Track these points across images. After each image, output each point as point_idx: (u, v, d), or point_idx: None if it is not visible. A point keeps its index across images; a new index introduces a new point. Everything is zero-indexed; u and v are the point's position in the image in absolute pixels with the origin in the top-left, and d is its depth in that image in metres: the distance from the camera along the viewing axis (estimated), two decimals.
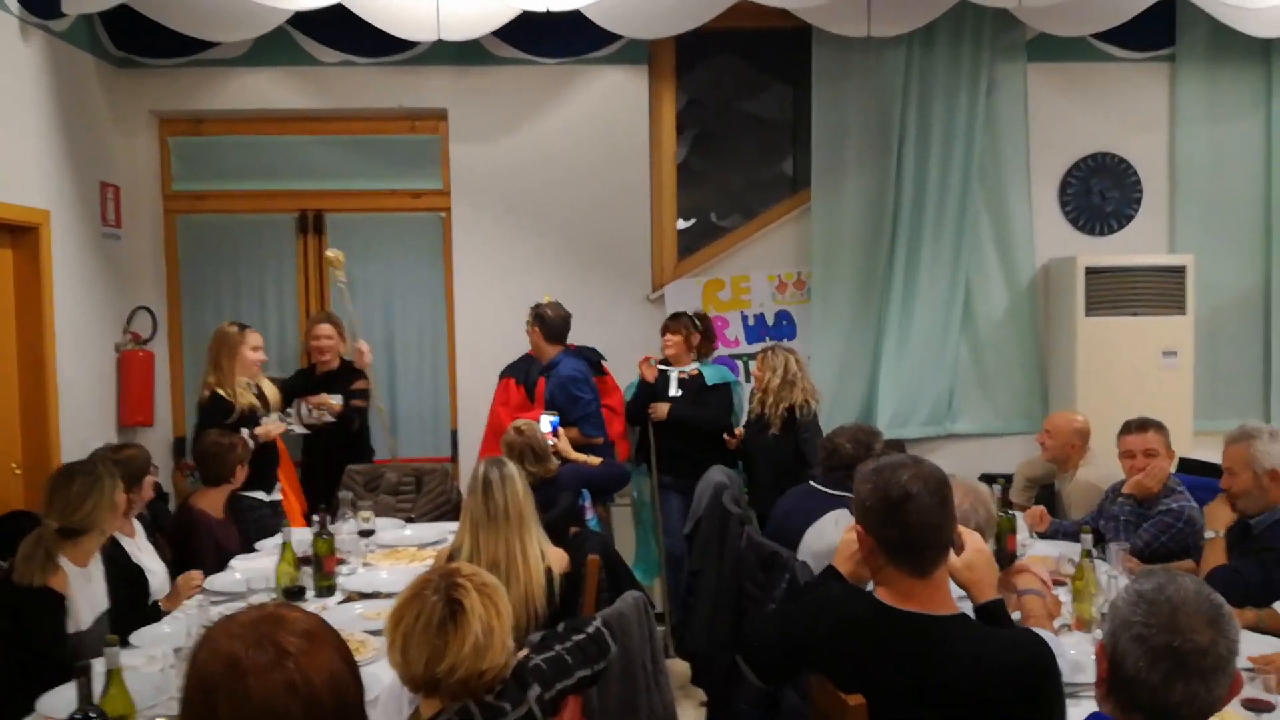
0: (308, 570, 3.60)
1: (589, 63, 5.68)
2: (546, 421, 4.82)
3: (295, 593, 3.35)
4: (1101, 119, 5.85)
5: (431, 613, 1.85)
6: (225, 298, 5.82)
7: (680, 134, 5.97)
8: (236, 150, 5.81)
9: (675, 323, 5.25)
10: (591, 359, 5.29)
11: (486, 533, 3.09)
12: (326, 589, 3.58)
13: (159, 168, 5.76)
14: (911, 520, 2.02)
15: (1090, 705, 2.07)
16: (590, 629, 2.23)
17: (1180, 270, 5.50)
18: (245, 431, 4.63)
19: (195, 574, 3.60)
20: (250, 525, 4.57)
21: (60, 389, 4.84)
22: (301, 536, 3.80)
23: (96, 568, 3.22)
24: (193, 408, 5.62)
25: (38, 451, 4.71)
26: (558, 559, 3.19)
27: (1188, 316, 5.50)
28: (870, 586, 2.19)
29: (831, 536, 3.26)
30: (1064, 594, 3.17)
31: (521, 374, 5.19)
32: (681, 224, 6.04)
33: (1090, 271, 5.49)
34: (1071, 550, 3.82)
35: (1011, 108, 5.74)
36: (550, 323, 5.10)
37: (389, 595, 3.48)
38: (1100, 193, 5.85)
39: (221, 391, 4.67)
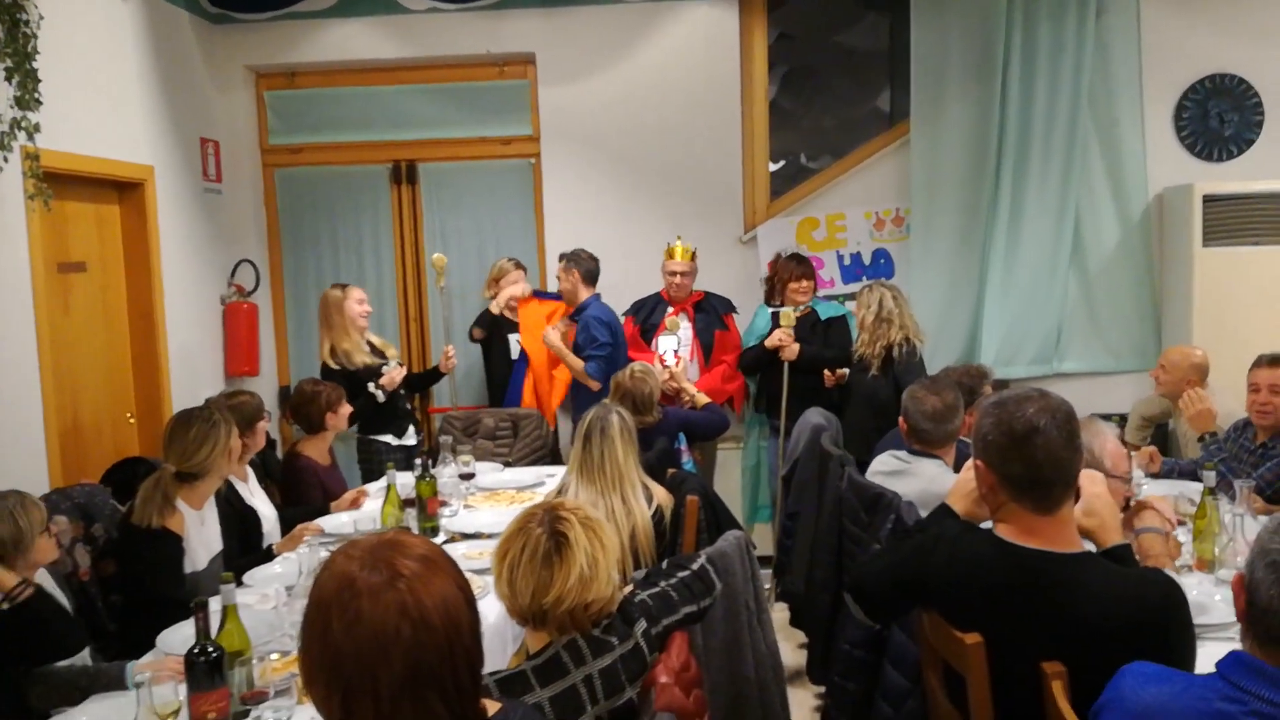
0: (412, 512, 3.66)
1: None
2: (668, 346, 4.84)
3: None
4: (1219, 38, 5.51)
5: (537, 545, 1.84)
6: (324, 249, 5.91)
7: (770, 71, 5.83)
8: (329, 102, 5.86)
9: (803, 266, 5.18)
10: (720, 309, 5.35)
11: (588, 480, 3.15)
12: (430, 530, 3.63)
13: (256, 122, 5.86)
14: (1038, 456, 1.93)
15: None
16: (695, 566, 2.21)
17: None
18: (371, 385, 4.75)
19: (314, 524, 3.68)
20: (375, 467, 4.68)
21: (169, 340, 4.99)
22: (406, 480, 3.86)
23: (211, 511, 3.32)
24: (297, 357, 5.80)
25: (150, 401, 4.87)
26: (664, 496, 3.20)
27: None
28: (989, 526, 2.11)
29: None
30: (1183, 534, 3.05)
31: (645, 313, 5.31)
32: (773, 166, 5.92)
33: (1208, 200, 5.21)
34: (1189, 490, 3.68)
35: (1123, 28, 5.45)
36: (588, 266, 5.17)
37: (491, 536, 3.53)
38: (1219, 116, 5.54)
39: (330, 361, 4.79)
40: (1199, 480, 3.78)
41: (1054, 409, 1.97)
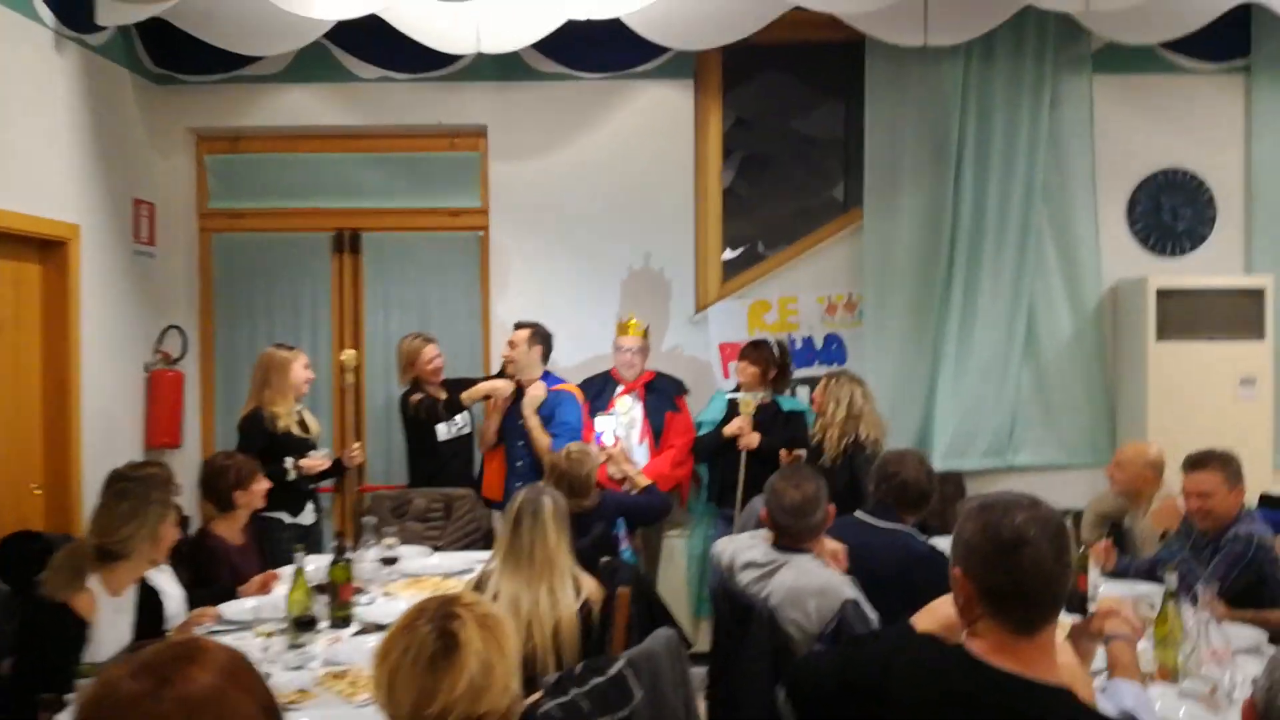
0: (324, 599, 3.40)
1: (633, 77, 5.50)
2: (606, 426, 4.65)
3: (306, 623, 3.13)
4: (1172, 133, 5.54)
5: (422, 646, 1.61)
6: (259, 317, 5.68)
7: (726, 158, 5.78)
8: (273, 168, 5.70)
9: (756, 352, 4.99)
10: (672, 391, 5.17)
11: (514, 569, 2.94)
12: (342, 619, 3.38)
13: (195, 185, 5.67)
14: (1025, 569, 1.75)
15: None
16: (612, 671, 1.99)
17: (1259, 293, 5.15)
18: (289, 461, 4.50)
19: (209, 610, 3.41)
20: (269, 548, 4.43)
21: (85, 408, 4.73)
22: (321, 563, 3.60)
23: (130, 600, 3.03)
24: (224, 430, 5.54)
25: (59, 471, 4.58)
26: (594, 588, 2.98)
27: (1267, 342, 5.15)
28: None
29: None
30: (1142, 641, 2.87)
31: (592, 392, 5.10)
32: (729, 254, 5.84)
33: (1162, 294, 5.17)
34: (1147, 592, 3.52)
35: (1076, 122, 5.46)
36: (549, 342, 5.03)
37: None
38: (1172, 210, 5.53)
39: (264, 410, 4.55)
40: (1156, 581, 3.66)
41: (1045, 519, 1.80)
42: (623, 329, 5.10)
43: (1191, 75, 5.51)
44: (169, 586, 3.55)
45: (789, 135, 6.27)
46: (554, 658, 2.74)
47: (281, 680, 2.80)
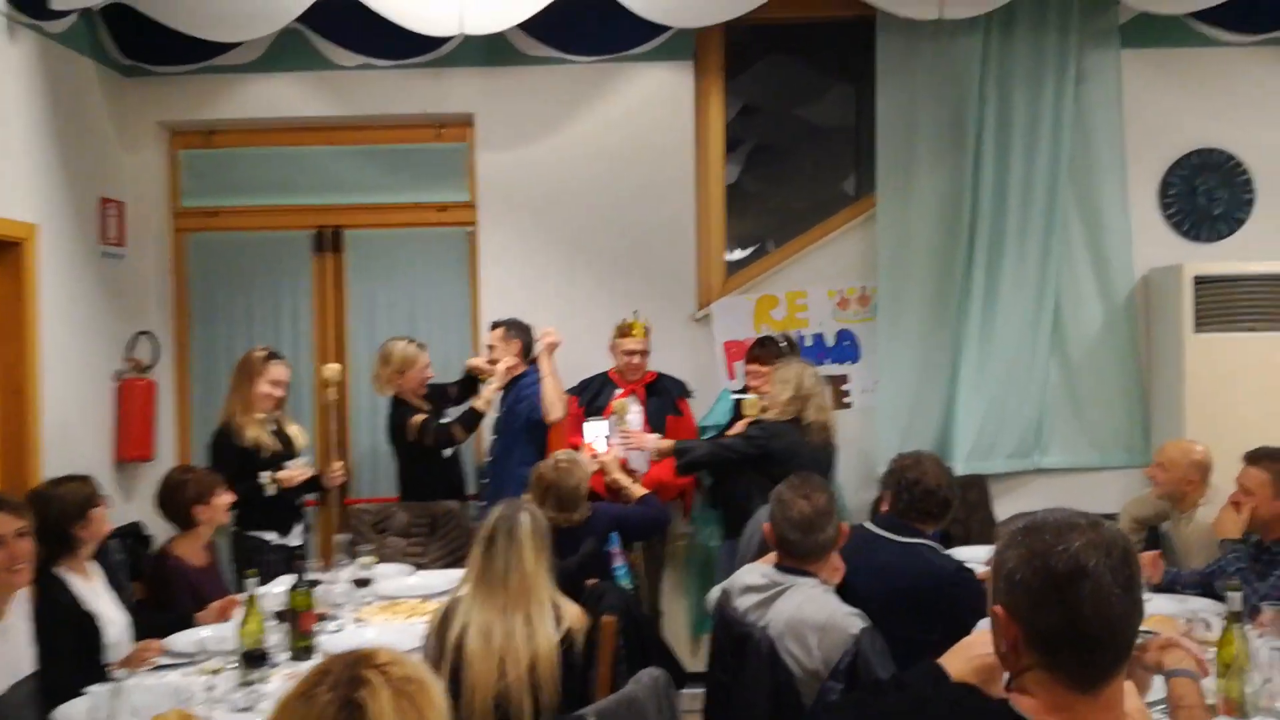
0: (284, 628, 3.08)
1: (629, 60, 5.16)
2: (598, 433, 4.32)
3: (258, 658, 2.81)
4: (1206, 111, 5.17)
5: (319, 718, 1.27)
6: (237, 321, 5.37)
7: (732, 151, 5.44)
8: (250, 163, 5.40)
9: (764, 350, 4.65)
10: (675, 393, 4.87)
11: (486, 595, 2.61)
12: (304, 650, 3.05)
13: (168, 182, 5.37)
14: (1084, 608, 1.40)
15: None
16: None
17: None
18: (266, 475, 4.21)
19: (154, 643, 3.09)
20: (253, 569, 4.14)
21: (46, 419, 4.42)
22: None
23: (18, 624, 2.72)
24: (201, 442, 5.22)
25: (16, 487, 4.22)
26: (577, 617, 2.64)
27: None
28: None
29: None
30: None
31: (589, 394, 4.79)
32: (738, 253, 5.51)
33: (1199, 281, 4.80)
34: (1197, 606, 3.17)
35: (1104, 99, 5.09)
36: (528, 339, 4.75)
37: None
38: (1207, 193, 5.16)
39: (232, 422, 4.27)
40: (1210, 596, 3.31)
41: (1108, 544, 1.44)
42: (623, 330, 4.79)
43: (1227, 48, 5.15)
44: (111, 611, 3.24)
45: (797, 124, 5.95)
46: (530, 698, 2.42)
47: None
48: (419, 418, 4.58)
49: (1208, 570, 3.38)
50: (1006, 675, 1.52)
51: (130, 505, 5.02)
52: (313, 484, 4.57)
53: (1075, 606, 1.41)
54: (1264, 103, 5.16)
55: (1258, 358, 4.76)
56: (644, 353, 4.78)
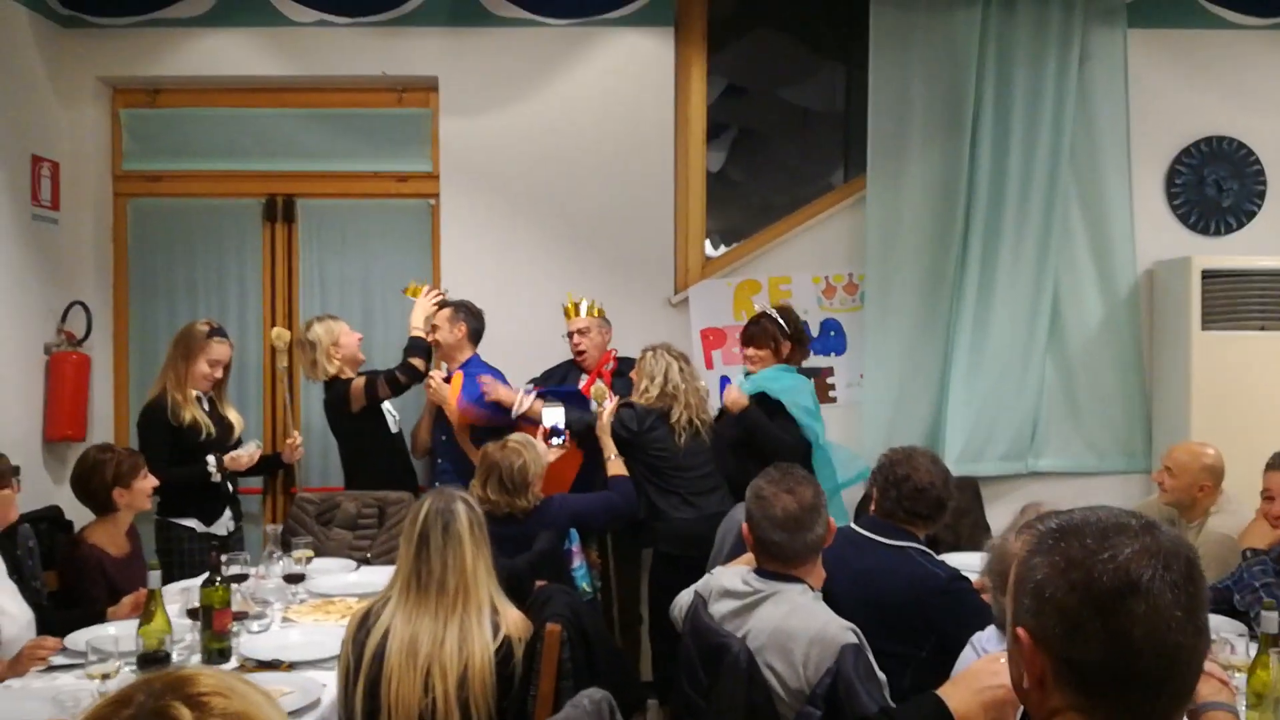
0: (196, 627, 2.74)
1: (604, 24, 4.84)
2: (556, 418, 3.99)
3: (158, 660, 2.46)
4: (1217, 96, 4.90)
5: None
6: (179, 293, 5.02)
7: (716, 136, 5.11)
8: (197, 124, 5.03)
9: (758, 328, 4.32)
10: None
11: (416, 599, 2.28)
12: (219, 652, 2.71)
13: (108, 143, 5.00)
14: (1136, 633, 1.09)
15: None
16: None
17: None
18: (212, 460, 3.92)
19: (49, 641, 2.75)
20: (175, 560, 3.84)
21: None
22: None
23: None
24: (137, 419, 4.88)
25: None
26: (517, 624, 2.31)
27: None
28: None
29: None
30: None
31: (555, 381, 4.48)
32: (720, 249, 5.20)
33: (1208, 275, 4.53)
34: (1215, 624, 2.87)
35: (1109, 81, 4.81)
36: (475, 324, 4.44)
37: (294, 665, 2.62)
38: (1216, 183, 4.89)
39: (166, 397, 3.97)
40: (1227, 613, 3.03)
41: (1167, 553, 1.12)
42: (568, 312, 4.53)
43: (1238, 30, 4.89)
44: (11, 604, 2.90)
45: (784, 109, 5.65)
46: (459, 716, 2.07)
47: None
48: (360, 379, 4.33)
49: (1225, 583, 3.07)
50: (1020, 711, 1.21)
51: (61, 489, 4.65)
52: (264, 466, 4.30)
53: (1123, 633, 1.10)
54: (1277, 89, 4.90)
55: (1268, 357, 4.51)
56: (587, 332, 4.48)
